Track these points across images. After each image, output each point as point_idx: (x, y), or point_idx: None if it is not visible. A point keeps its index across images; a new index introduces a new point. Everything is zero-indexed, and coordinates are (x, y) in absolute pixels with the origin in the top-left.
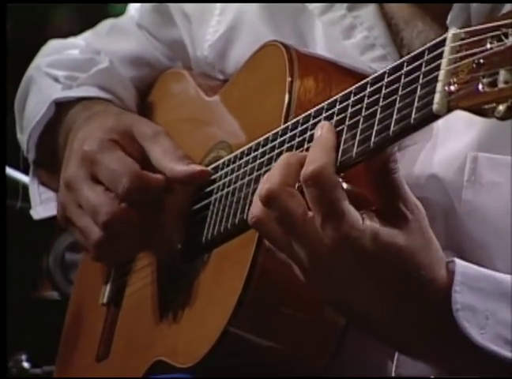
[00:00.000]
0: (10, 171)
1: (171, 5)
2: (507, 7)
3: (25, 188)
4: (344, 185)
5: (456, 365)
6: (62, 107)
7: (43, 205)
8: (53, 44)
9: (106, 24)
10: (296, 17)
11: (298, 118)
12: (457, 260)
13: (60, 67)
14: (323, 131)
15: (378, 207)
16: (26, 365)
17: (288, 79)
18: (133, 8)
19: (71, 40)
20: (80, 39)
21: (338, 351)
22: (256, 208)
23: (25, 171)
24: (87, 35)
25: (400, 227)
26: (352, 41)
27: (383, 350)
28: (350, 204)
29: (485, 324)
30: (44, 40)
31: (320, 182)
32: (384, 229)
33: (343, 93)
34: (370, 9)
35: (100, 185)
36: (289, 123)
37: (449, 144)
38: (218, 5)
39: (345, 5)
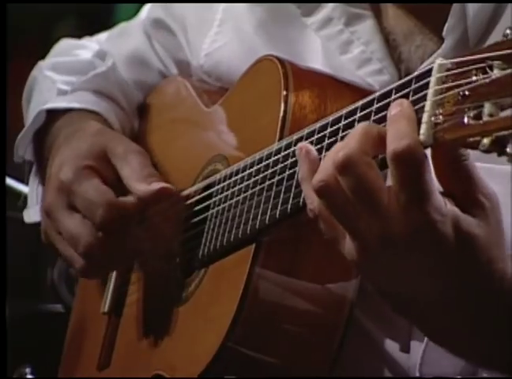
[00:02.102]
0: (16, 184)
1: (169, 19)
2: (504, 17)
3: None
4: None
5: (496, 360)
6: (51, 116)
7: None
8: (63, 44)
9: (119, 27)
10: (293, 32)
11: (291, 139)
12: None
13: (59, 70)
14: (404, 107)
15: (454, 194)
16: (30, 377)
17: (283, 93)
18: (144, 12)
19: (83, 41)
20: (94, 40)
21: (335, 363)
22: (325, 173)
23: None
24: (101, 36)
25: (478, 217)
26: (348, 56)
27: (380, 358)
28: None
29: None
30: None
31: (412, 158)
32: (465, 216)
33: (334, 116)
34: (367, 24)
35: (78, 213)
36: (283, 143)
37: None
38: (218, 16)
39: (342, 20)
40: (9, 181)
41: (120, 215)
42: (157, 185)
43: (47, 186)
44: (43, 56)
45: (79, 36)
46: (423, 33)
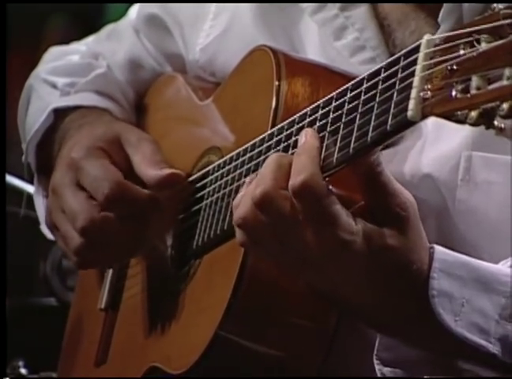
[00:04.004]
0: (14, 180)
1: (164, 14)
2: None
3: (29, 196)
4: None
5: (435, 349)
6: (59, 115)
7: None
8: (54, 51)
9: (107, 29)
10: (289, 18)
11: (283, 124)
12: (437, 247)
13: (58, 73)
14: (307, 138)
15: (369, 206)
16: (23, 371)
17: (276, 83)
18: (133, 12)
19: (72, 46)
20: (82, 44)
21: (330, 351)
22: (245, 210)
23: (30, 181)
24: (89, 39)
25: (391, 226)
26: (342, 42)
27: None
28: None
29: (460, 311)
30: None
31: (311, 191)
32: (376, 229)
33: (325, 98)
34: (362, 10)
35: (84, 191)
36: (274, 129)
37: (441, 143)
38: (212, 9)
39: (338, 4)
40: (7, 177)
41: (125, 197)
42: (167, 170)
43: (58, 164)
44: (34, 55)
45: (70, 34)
46: (418, 17)
